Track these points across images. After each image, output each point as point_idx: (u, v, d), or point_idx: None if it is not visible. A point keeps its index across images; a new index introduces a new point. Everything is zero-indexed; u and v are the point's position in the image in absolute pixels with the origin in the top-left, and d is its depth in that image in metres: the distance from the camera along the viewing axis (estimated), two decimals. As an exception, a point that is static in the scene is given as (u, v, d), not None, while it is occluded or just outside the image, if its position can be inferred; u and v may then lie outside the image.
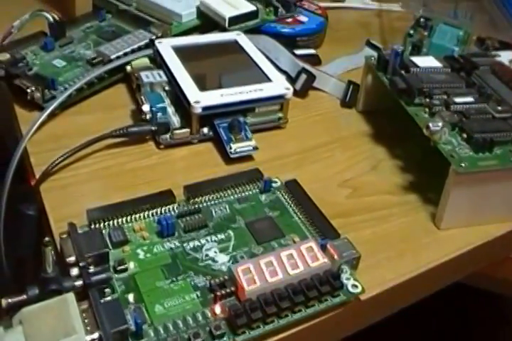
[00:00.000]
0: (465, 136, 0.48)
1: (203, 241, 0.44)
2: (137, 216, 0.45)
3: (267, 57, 0.62)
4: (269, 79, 0.57)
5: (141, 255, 0.42)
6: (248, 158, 0.54)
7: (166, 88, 0.57)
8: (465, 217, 0.48)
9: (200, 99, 0.53)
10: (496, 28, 0.63)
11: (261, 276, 0.39)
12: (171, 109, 0.56)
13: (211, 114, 0.54)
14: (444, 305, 0.84)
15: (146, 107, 0.54)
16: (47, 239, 0.38)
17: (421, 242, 0.48)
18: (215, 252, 0.43)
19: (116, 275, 0.40)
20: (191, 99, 0.53)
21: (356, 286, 0.41)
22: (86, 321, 0.36)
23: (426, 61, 0.56)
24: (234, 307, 0.37)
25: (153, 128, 0.54)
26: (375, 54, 0.58)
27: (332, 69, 0.67)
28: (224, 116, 0.55)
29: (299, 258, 0.40)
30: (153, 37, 0.64)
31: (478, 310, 0.93)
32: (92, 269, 0.39)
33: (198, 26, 0.69)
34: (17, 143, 0.51)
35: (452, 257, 0.46)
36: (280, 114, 0.58)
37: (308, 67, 0.63)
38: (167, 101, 0.56)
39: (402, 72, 0.54)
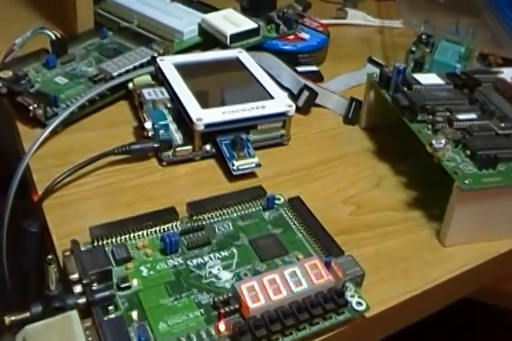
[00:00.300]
0: (468, 152, 0.48)
1: (206, 258, 0.44)
2: (140, 233, 0.45)
3: (269, 74, 0.62)
4: (271, 97, 0.57)
5: (145, 272, 0.42)
6: (251, 175, 0.54)
7: (168, 105, 0.57)
8: (469, 233, 0.48)
9: (202, 116, 0.53)
10: (498, 44, 0.63)
11: (265, 294, 0.39)
12: (173, 126, 0.56)
13: (214, 131, 0.54)
14: (449, 319, 0.83)
15: (148, 124, 0.54)
16: (50, 256, 0.38)
17: (425, 259, 0.47)
18: (219, 269, 0.43)
19: (119, 293, 0.40)
20: (193, 116, 0.53)
21: (361, 304, 0.41)
22: (90, 339, 0.36)
23: (428, 78, 0.56)
24: (238, 325, 0.37)
25: (155, 145, 0.54)
26: (377, 70, 0.58)
27: (334, 86, 0.67)
28: (226, 133, 0.54)
29: (303, 276, 0.40)
30: (155, 54, 0.64)
31: (484, 325, 0.93)
32: (95, 287, 0.39)
33: (200, 43, 0.70)
34: (19, 159, 0.51)
35: (457, 274, 0.46)
36: (283, 131, 0.58)
37: (310, 83, 0.63)
38: (169, 118, 0.56)
39: (405, 89, 0.55)
